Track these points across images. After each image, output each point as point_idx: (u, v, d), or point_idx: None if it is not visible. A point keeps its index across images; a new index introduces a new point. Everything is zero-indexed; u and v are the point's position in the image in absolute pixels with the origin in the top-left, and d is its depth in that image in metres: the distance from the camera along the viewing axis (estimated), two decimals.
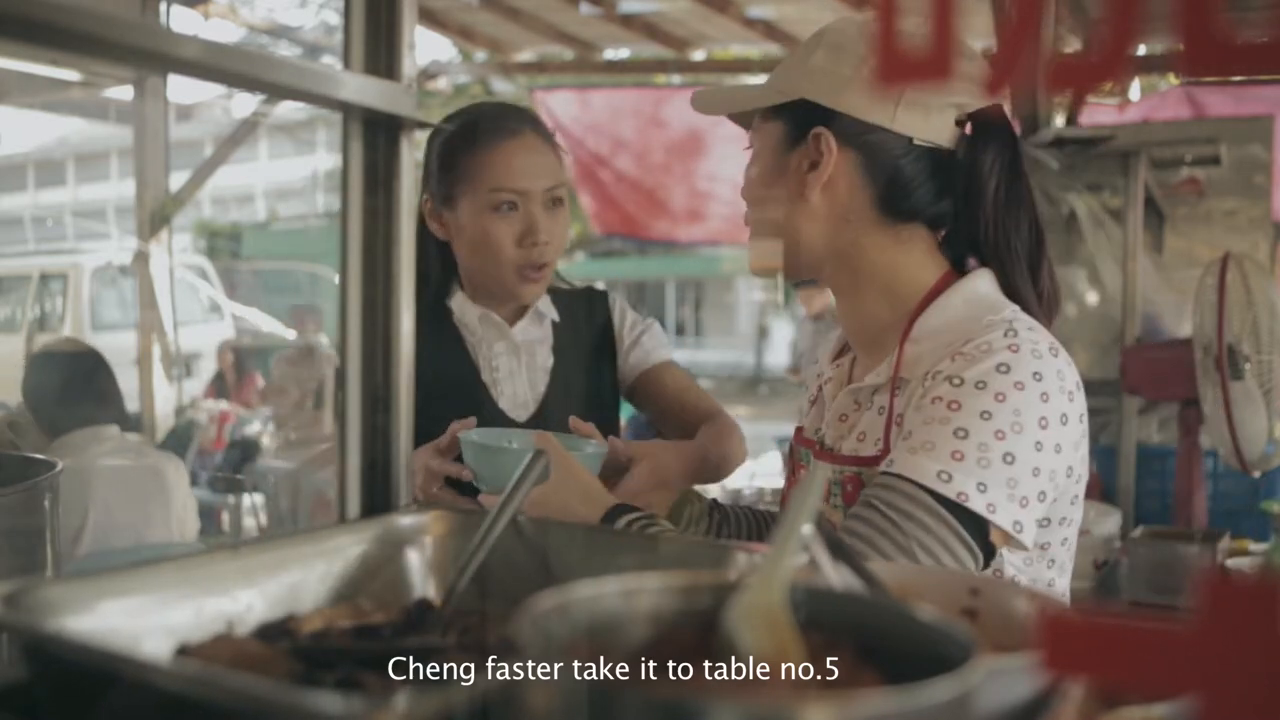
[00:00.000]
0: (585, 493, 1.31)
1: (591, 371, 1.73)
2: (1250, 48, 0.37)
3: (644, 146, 6.74)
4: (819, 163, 1.20)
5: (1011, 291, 1.22)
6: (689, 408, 1.71)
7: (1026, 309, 1.21)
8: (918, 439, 1.10)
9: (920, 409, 1.12)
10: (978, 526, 1.07)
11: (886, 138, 1.20)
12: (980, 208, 1.21)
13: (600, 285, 1.87)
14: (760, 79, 1.37)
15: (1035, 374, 1.10)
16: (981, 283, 1.21)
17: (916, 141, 1.20)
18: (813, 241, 1.24)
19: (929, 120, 1.20)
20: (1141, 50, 4.05)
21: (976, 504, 1.06)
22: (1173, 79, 5.04)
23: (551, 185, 1.61)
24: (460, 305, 1.69)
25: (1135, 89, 5.19)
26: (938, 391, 1.11)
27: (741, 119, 1.34)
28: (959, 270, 1.26)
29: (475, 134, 1.60)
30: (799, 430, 1.38)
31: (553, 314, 1.73)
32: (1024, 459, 1.08)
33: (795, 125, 1.23)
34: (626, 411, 1.84)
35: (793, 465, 1.36)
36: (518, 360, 1.69)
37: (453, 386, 1.62)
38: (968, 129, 1.22)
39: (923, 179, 1.21)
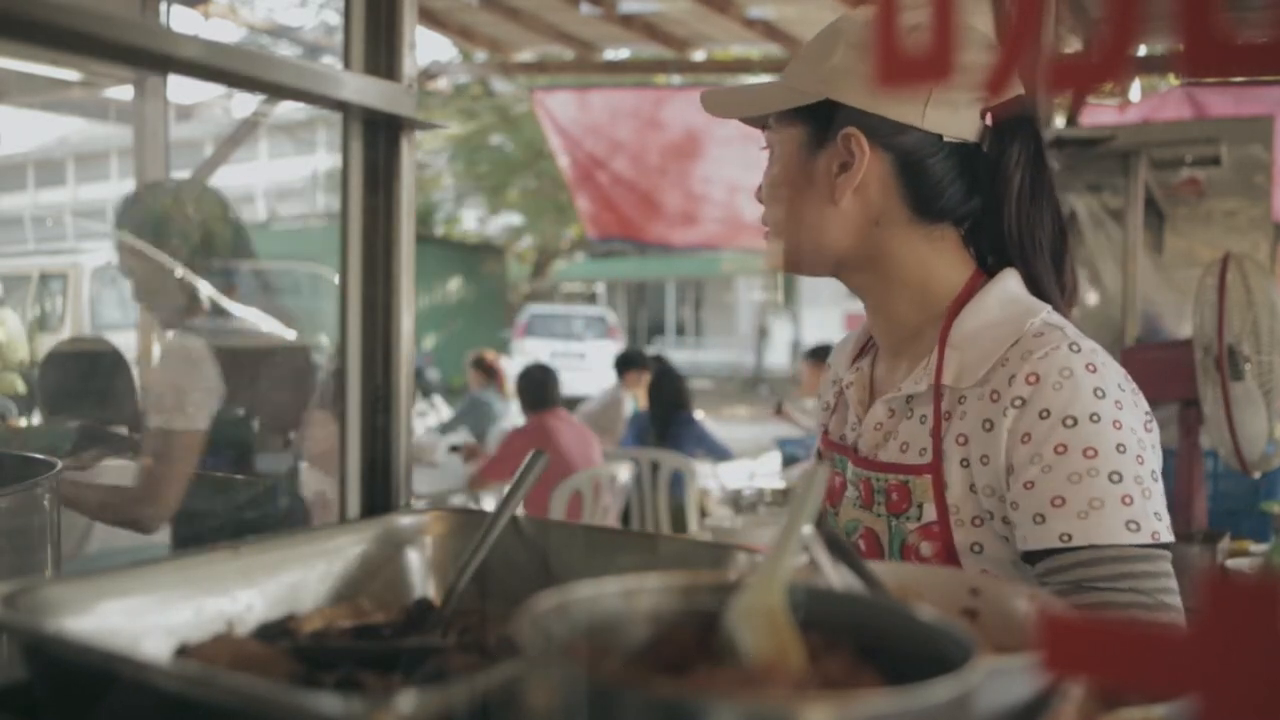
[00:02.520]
0: None
1: None
2: (1250, 48, 0.36)
3: (641, 148, 6.73)
4: (850, 164, 1.18)
5: (1035, 285, 1.21)
6: None
7: (1052, 304, 1.20)
8: (1079, 500, 1.06)
9: (1047, 464, 1.08)
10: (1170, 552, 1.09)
11: (917, 137, 1.17)
12: (1006, 202, 1.19)
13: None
14: (761, 79, 1.36)
15: (1119, 385, 1.10)
16: (1011, 282, 1.19)
17: (946, 139, 1.17)
18: (840, 244, 1.21)
19: (957, 116, 1.17)
20: (1141, 50, 4.05)
21: (1165, 535, 1.07)
22: (1173, 79, 5.04)
23: None
24: None
25: (1135, 89, 5.18)
26: (1057, 438, 1.07)
27: (756, 119, 1.30)
28: (983, 267, 1.24)
29: None
30: (825, 435, 1.35)
31: None
32: (1159, 470, 1.09)
33: (821, 126, 1.19)
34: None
35: None
36: None
37: None
38: (988, 120, 1.20)
39: (953, 177, 1.19)
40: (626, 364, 7.04)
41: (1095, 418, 1.07)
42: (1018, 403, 1.09)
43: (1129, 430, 1.08)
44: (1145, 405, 1.13)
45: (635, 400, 6.85)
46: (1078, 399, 1.08)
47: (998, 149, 1.19)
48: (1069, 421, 1.07)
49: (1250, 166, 3.88)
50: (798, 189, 1.21)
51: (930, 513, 1.14)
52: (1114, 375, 1.11)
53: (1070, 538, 1.06)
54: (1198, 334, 2.56)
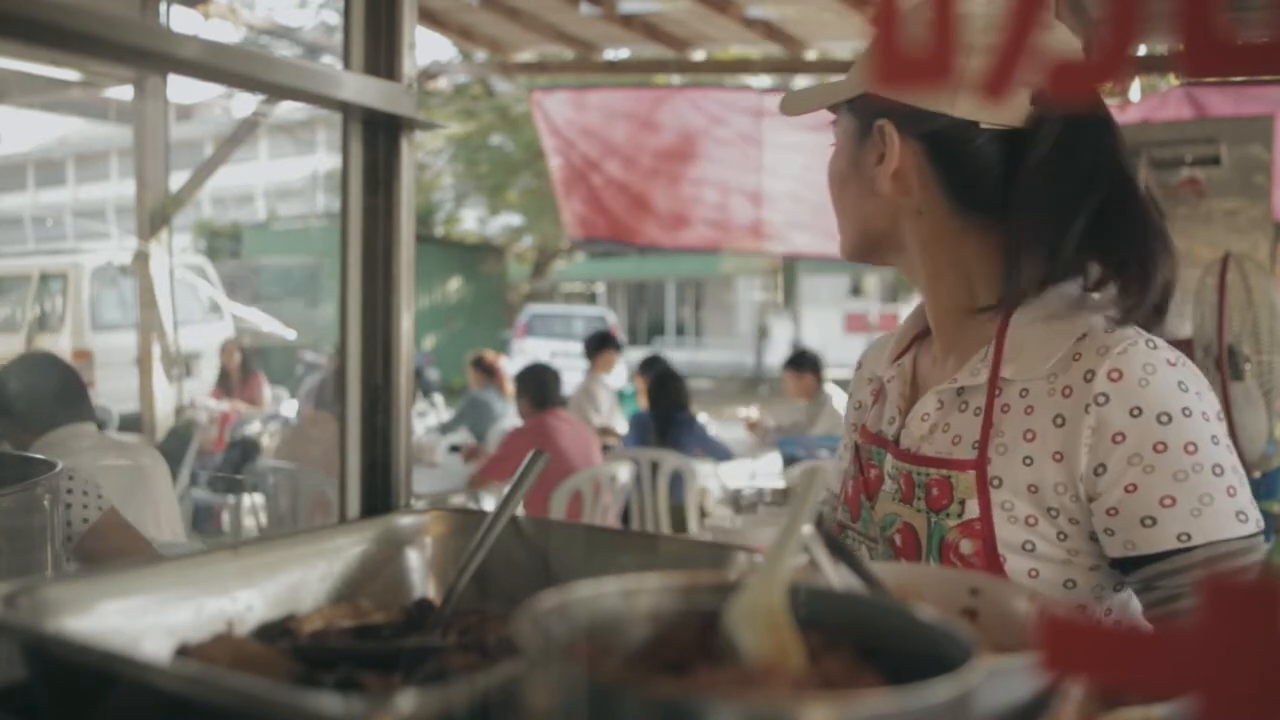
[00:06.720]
0: None
1: None
2: (1250, 48, 0.36)
3: (635, 150, 6.73)
4: (884, 155, 1.18)
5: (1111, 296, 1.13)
6: None
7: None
8: (1189, 498, 1.03)
9: (1149, 464, 1.04)
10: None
11: (949, 124, 1.12)
12: (1083, 198, 1.09)
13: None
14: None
15: (1197, 378, 1.08)
16: (1071, 285, 1.14)
17: (984, 126, 1.11)
18: (880, 230, 1.22)
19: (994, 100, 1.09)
20: (1141, 50, 4.05)
21: (1262, 520, 1.06)
22: (1173, 79, 5.04)
23: None
24: None
25: (1135, 89, 5.19)
26: (1155, 436, 1.04)
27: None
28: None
29: None
30: (863, 428, 1.32)
31: None
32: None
33: (863, 119, 1.20)
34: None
35: (861, 464, 1.29)
36: None
37: None
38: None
39: (999, 165, 1.13)
40: (594, 347, 7.09)
41: (1187, 412, 1.05)
42: (1101, 399, 1.06)
43: (1216, 421, 1.06)
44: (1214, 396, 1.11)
45: (605, 380, 6.91)
46: (1167, 394, 1.05)
47: (1068, 140, 1.09)
48: (1164, 418, 1.04)
49: (1250, 166, 3.88)
50: (848, 178, 1.24)
51: (973, 509, 1.11)
52: (1191, 368, 1.08)
53: (1189, 537, 1.03)
54: (1198, 334, 2.56)
